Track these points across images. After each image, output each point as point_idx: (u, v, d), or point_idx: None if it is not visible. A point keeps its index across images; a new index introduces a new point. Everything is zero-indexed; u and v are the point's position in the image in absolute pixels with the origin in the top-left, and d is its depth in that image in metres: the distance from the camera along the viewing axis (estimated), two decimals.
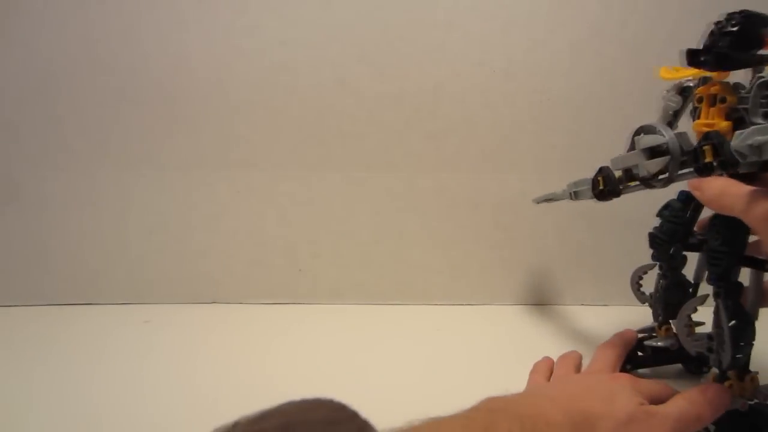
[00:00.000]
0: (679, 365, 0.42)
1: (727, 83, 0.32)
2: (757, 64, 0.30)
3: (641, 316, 0.56)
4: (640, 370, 0.42)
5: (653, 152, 0.34)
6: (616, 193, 0.38)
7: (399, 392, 0.40)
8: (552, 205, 0.56)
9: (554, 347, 0.47)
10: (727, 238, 0.32)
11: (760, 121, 0.29)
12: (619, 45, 0.54)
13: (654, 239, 0.41)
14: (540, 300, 0.57)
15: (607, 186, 0.38)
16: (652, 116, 0.55)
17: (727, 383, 0.32)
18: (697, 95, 0.33)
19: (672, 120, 0.37)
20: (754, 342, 0.32)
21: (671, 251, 0.40)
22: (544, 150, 0.55)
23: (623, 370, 0.41)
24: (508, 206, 0.56)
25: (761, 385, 0.32)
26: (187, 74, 0.53)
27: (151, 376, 0.42)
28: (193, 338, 0.49)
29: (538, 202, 0.48)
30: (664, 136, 0.33)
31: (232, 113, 0.54)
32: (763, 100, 0.29)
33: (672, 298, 0.41)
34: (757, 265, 0.32)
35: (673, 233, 0.39)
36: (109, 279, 0.56)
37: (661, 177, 0.34)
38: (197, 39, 0.52)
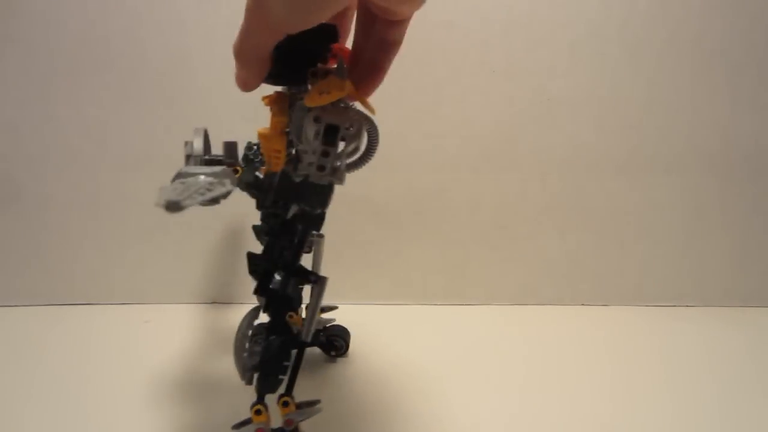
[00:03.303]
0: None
1: (286, 98, 0.29)
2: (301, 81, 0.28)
3: (641, 315, 0.56)
4: None
5: (187, 158, 0.33)
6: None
7: (399, 392, 0.40)
8: (552, 205, 0.57)
9: (554, 347, 0.47)
10: (268, 244, 0.31)
11: (298, 144, 0.27)
12: (619, 45, 0.54)
13: (255, 233, 0.41)
14: (540, 300, 0.57)
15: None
16: (652, 116, 0.56)
17: (256, 407, 0.30)
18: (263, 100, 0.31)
19: None
20: (296, 364, 0.30)
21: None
22: (544, 150, 0.55)
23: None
24: (508, 206, 0.56)
25: (300, 411, 0.31)
26: (188, 74, 0.53)
27: (151, 376, 0.42)
28: (193, 338, 0.49)
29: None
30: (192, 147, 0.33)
31: (232, 113, 0.54)
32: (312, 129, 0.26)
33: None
34: (306, 278, 0.31)
35: (265, 231, 0.39)
36: (109, 279, 0.56)
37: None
38: (197, 39, 0.52)
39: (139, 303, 0.56)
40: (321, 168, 0.26)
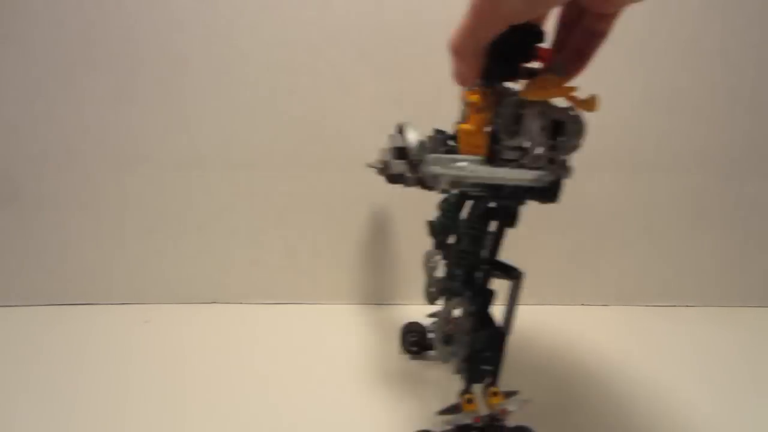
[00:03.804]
0: None
1: (492, 95, 0.30)
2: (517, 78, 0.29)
3: (641, 315, 0.56)
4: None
5: (401, 152, 0.34)
6: (398, 181, 0.37)
7: (398, 392, 0.40)
8: (552, 205, 0.56)
9: (554, 347, 0.47)
10: (473, 239, 0.31)
11: (506, 140, 0.28)
12: (620, 45, 0.54)
13: (432, 228, 0.39)
14: (540, 300, 0.57)
15: (388, 174, 0.38)
16: (652, 116, 0.56)
17: (466, 397, 0.31)
18: (464, 100, 0.32)
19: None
20: (503, 355, 0.31)
21: (445, 242, 0.38)
22: None
23: (410, 352, 0.44)
24: None
25: (509, 401, 0.31)
26: (187, 74, 0.53)
27: (150, 376, 0.42)
28: (193, 338, 0.49)
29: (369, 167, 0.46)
30: (405, 140, 0.33)
31: (232, 113, 0.54)
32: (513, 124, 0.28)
33: (447, 285, 0.40)
34: (506, 272, 0.31)
35: (445, 227, 0.38)
36: (109, 279, 0.56)
37: (408, 177, 0.33)
38: (197, 39, 0.52)
39: (139, 303, 0.56)
40: (551, 161, 0.28)
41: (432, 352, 0.44)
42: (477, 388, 0.31)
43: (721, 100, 0.55)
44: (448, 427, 0.31)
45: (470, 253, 0.32)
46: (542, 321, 0.54)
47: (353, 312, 0.56)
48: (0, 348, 0.47)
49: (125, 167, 0.54)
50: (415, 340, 0.44)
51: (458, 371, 0.31)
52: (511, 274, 0.32)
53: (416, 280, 0.57)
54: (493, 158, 0.29)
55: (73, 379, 0.42)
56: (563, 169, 0.28)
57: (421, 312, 0.56)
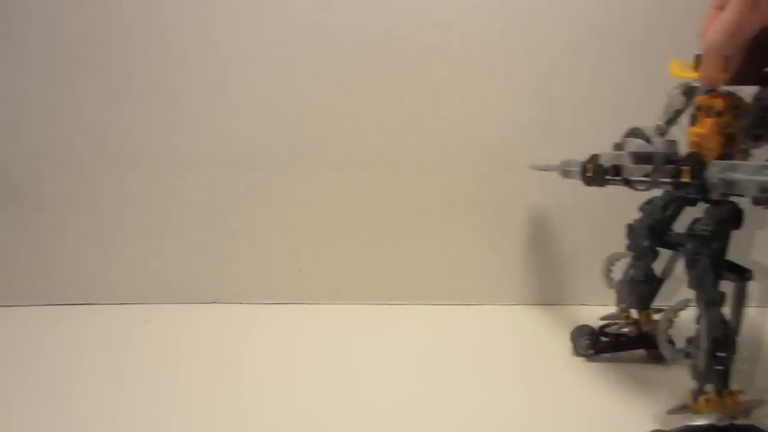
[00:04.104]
0: (641, 351, 0.44)
1: (731, 99, 0.31)
2: None
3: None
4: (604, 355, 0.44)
5: (639, 157, 0.35)
6: (600, 184, 0.39)
7: (399, 392, 0.40)
8: (552, 205, 0.57)
9: (554, 347, 0.47)
10: (706, 242, 0.31)
11: (746, 144, 0.29)
12: (619, 45, 0.54)
13: (631, 231, 0.41)
14: (540, 300, 0.57)
15: (594, 174, 0.39)
16: (651, 116, 0.56)
17: (702, 397, 0.31)
18: (697, 103, 0.33)
19: (673, 117, 0.37)
20: (734, 355, 0.31)
21: (645, 245, 0.40)
22: (544, 150, 0.55)
23: (585, 355, 0.43)
24: (508, 206, 0.56)
25: (742, 401, 0.32)
26: (187, 74, 0.53)
27: (150, 376, 0.42)
28: (193, 338, 0.49)
29: (533, 169, 0.49)
30: (652, 145, 0.34)
31: (231, 113, 0.54)
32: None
33: (639, 290, 0.42)
34: (737, 273, 0.32)
35: (651, 229, 0.40)
36: (109, 279, 0.56)
37: (643, 181, 0.35)
38: (197, 39, 0.52)
39: (139, 303, 0.56)
40: None
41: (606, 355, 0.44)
42: (710, 387, 0.31)
43: None
44: (691, 425, 0.31)
45: (719, 253, 0.32)
46: (542, 321, 0.54)
47: (353, 312, 0.56)
48: (0, 348, 0.47)
49: (125, 167, 0.54)
50: (588, 343, 0.44)
51: (695, 372, 0.32)
52: (743, 275, 0.32)
53: (415, 279, 0.58)
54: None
55: (73, 379, 0.42)
56: None
57: (423, 312, 0.56)
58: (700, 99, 0.33)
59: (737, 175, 0.28)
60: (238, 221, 0.56)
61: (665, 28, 0.54)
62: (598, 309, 0.57)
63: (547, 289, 0.58)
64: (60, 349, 0.47)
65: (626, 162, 0.36)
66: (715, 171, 0.29)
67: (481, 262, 0.57)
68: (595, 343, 0.44)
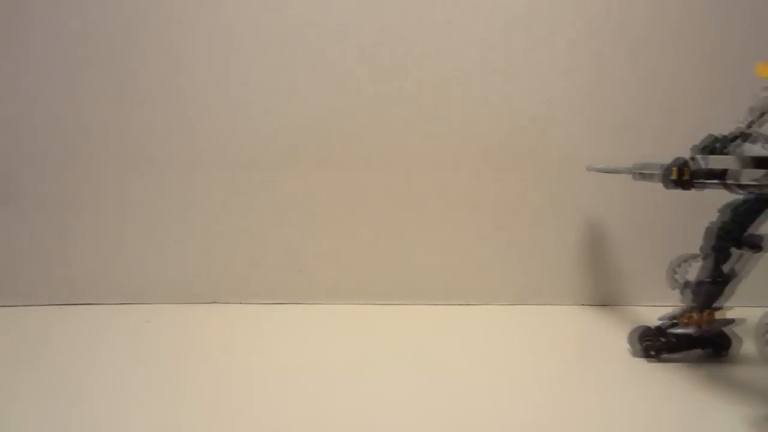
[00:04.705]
0: (701, 350, 0.44)
1: None
2: None
3: (641, 315, 0.56)
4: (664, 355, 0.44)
5: (752, 162, 0.35)
6: (688, 187, 0.39)
7: (399, 392, 0.40)
8: (552, 206, 0.56)
9: (554, 347, 0.47)
10: None
11: None
12: (619, 45, 0.54)
13: (712, 233, 0.42)
14: (540, 300, 0.57)
15: (684, 177, 0.39)
16: (651, 117, 0.56)
17: None
18: None
19: (756, 119, 0.38)
20: None
21: (722, 247, 0.41)
22: (544, 150, 0.55)
23: (648, 356, 0.44)
24: (508, 206, 0.56)
25: None
26: (187, 74, 0.53)
27: (151, 376, 0.42)
28: (193, 338, 0.49)
29: (591, 170, 0.49)
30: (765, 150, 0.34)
31: (231, 113, 0.54)
32: None
33: (710, 290, 0.43)
34: None
35: (731, 231, 0.41)
36: (109, 279, 0.56)
37: (747, 185, 0.36)
38: (197, 39, 0.52)
39: (139, 303, 0.56)
40: None
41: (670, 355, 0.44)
42: None
43: (722, 100, 0.55)
44: None
45: None
46: (542, 321, 0.54)
47: (353, 312, 0.56)
48: (0, 348, 0.47)
49: (125, 167, 0.54)
50: (649, 344, 0.44)
51: None
52: None
53: (415, 279, 0.58)
54: None
55: (74, 379, 0.42)
56: None
57: (423, 312, 0.56)
58: None
59: None
60: (238, 221, 0.56)
61: (665, 28, 0.54)
62: (600, 309, 0.57)
63: (547, 288, 0.58)
64: (60, 349, 0.47)
65: (734, 166, 0.36)
66: None
67: (481, 262, 0.57)
68: (655, 345, 0.44)
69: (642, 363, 0.44)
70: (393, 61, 0.53)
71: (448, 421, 0.36)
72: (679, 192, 0.40)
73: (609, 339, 0.49)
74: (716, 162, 0.38)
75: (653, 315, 0.46)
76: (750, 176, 0.35)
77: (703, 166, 0.39)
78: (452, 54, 0.53)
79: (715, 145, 0.39)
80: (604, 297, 0.58)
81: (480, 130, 0.55)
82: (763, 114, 0.37)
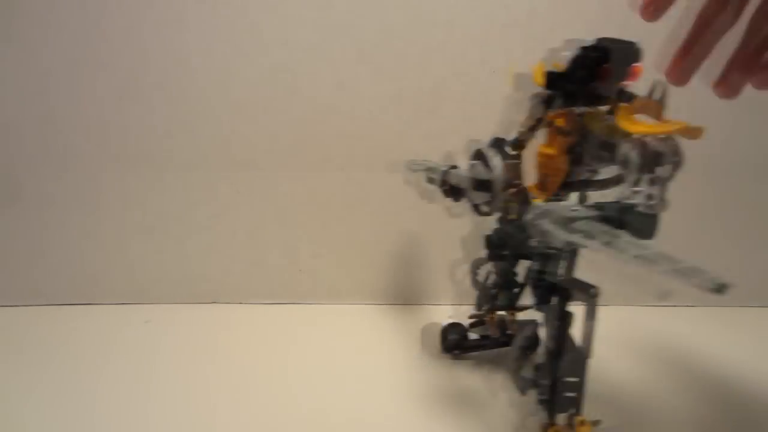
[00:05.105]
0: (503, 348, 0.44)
1: (579, 115, 0.30)
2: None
3: (640, 315, 0.56)
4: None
5: (480, 182, 0.33)
6: (456, 199, 0.38)
7: (400, 392, 0.40)
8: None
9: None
10: (547, 262, 0.30)
11: (592, 165, 0.28)
12: None
13: (487, 242, 0.38)
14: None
15: (446, 188, 0.38)
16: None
17: (552, 429, 0.29)
18: (547, 118, 0.31)
19: (535, 125, 0.34)
20: (583, 380, 0.29)
21: (503, 254, 0.38)
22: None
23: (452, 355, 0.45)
24: None
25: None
26: (187, 74, 0.53)
27: (151, 376, 0.42)
28: (193, 338, 0.49)
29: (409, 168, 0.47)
30: (491, 171, 0.32)
31: (232, 113, 0.54)
32: (602, 151, 0.27)
33: (504, 292, 0.41)
34: (583, 290, 0.30)
35: (507, 239, 0.37)
36: (109, 279, 0.56)
37: (484, 207, 0.34)
38: (197, 39, 0.52)
39: (139, 303, 0.56)
40: (650, 197, 0.27)
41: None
42: (561, 418, 0.29)
43: (722, 100, 0.55)
44: None
45: (548, 274, 0.31)
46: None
47: (353, 312, 0.56)
48: (0, 348, 0.47)
49: (126, 167, 0.54)
50: (455, 341, 0.45)
51: (540, 401, 0.30)
52: (589, 292, 0.30)
53: (421, 280, 0.58)
54: (570, 183, 0.29)
55: (73, 379, 0.42)
56: (662, 204, 0.27)
57: (423, 312, 0.56)
58: (549, 117, 0.31)
59: (546, 225, 0.26)
60: (238, 221, 0.56)
61: (665, 28, 0.54)
62: (599, 309, 0.57)
63: None
64: (60, 349, 0.47)
65: (467, 186, 0.34)
66: (532, 216, 0.27)
67: None
68: (459, 344, 0.45)
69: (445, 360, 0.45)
70: (393, 61, 0.53)
71: (447, 420, 0.36)
72: None
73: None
74: (455, 178, 0.36)
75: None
76: (478, 199, 0.33)
77: (451, 181, 0.37)
78: (452, 54, 0.53)
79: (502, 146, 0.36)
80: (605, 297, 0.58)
81: (479, 130, 0.55)
82: (540, 120, 0.33)
